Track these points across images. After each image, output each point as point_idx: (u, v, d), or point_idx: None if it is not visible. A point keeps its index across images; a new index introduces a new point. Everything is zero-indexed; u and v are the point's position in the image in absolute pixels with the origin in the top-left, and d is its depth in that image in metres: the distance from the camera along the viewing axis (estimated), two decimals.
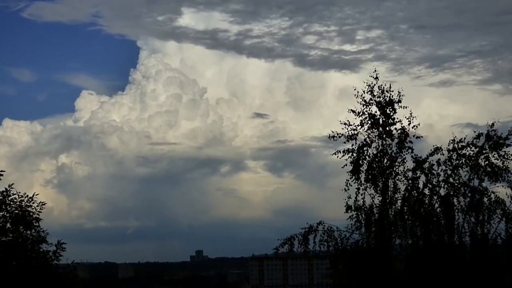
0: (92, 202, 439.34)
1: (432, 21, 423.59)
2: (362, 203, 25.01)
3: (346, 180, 25.25)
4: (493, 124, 25.56)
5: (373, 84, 25.59)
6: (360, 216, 25.02)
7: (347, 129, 25.49)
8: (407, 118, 25.29)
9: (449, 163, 25.41)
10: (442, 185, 25.37)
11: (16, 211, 23.18)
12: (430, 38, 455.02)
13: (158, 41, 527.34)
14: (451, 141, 25.56)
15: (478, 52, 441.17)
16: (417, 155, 25.31)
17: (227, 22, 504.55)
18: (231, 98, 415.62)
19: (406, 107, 25.44)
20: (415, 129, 25.34)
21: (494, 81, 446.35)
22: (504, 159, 25.29)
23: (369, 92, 25.56)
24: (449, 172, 25.42)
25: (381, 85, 25.55)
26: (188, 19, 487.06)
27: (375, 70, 25.69)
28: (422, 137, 25.59)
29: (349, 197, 25.09)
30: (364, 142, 25.37)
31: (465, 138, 25.58)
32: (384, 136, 25.37)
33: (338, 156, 25.42)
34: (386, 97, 25.44)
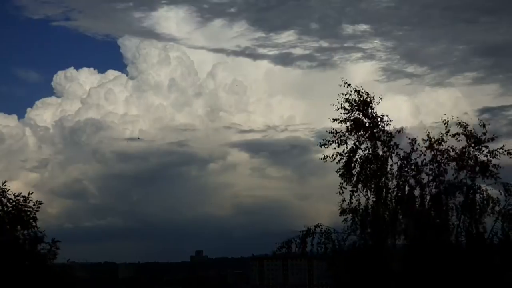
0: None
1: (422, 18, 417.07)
2: (357, 205, 25.17)
3: (340, 183, 25.47)
4: (467, 124, 25.74)
5: (348, 92, 25.88)
6: (355, 217, 25.15)
7: (336, 136, 25.79)
8: (380, 117, 25.64)
9: (435, 162, 25.55)
10: (432, 184, 25.51)
11: (13, 211, 23.18)
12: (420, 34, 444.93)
13: (139, 40, 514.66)
14: (426, 138, 25.70)
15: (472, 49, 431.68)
16: (402, 149, 25.59)
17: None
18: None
19: (380, 100, 25.76)
20: (387, 124, 25.64)
21: (488, 80, 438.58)
22: (490, 155, 25.40)
23: (346, 101, 25.86)
24: (436, 171, 25.56)
25: (354, 88, 25.90)
26: (164, 16, 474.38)
27: (342, 78, 25.99)
28: (401, 130, 25.82)
29: (344, 200, 25.27)
30: (354, 146, 25.71)
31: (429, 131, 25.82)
32: (371, 137, 25.64)
33: (329, 160, 25.67)
34: (360, 100, 25.78)
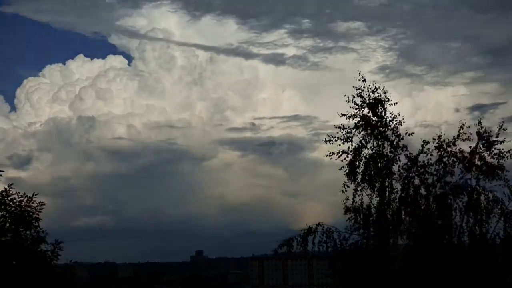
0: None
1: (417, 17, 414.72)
2: (360, 204, 25.15)
3: (344, 181, 25.40)
4: (479, 121, 25.74)
5: (362, 87, 25.81)
6: (358, 217, 25.14)
7: (342, 132, 25.68)
8: (392, 118, 25.52)
9: (441, 162, 25.53)
10: (437, 185, 25.49)
11: (16, 211, 23.21)
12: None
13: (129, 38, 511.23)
14: (437, 138, 25.65)
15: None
16: (410, 153, 25.50)
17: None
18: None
19: (395, 103, 25.66)
20: (400, 125, 25.53)
21: (485, 79, 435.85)
22: (498, 158, 25.40)
23: (359, 96, 25.78)
24: (442, 171, 25.54)
25: (369, 85, 25.82)
26: (150, 13, 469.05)
27: (360, 73, 25.89)
28: (413, 133, 25.75)
29: (347, 199, 25.23)
30: (360, 144, 25.56)
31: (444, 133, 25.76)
32: (379, 137, 25.54)
33: (333, 158, 25.60)
34: (375, 98, 25.66)
